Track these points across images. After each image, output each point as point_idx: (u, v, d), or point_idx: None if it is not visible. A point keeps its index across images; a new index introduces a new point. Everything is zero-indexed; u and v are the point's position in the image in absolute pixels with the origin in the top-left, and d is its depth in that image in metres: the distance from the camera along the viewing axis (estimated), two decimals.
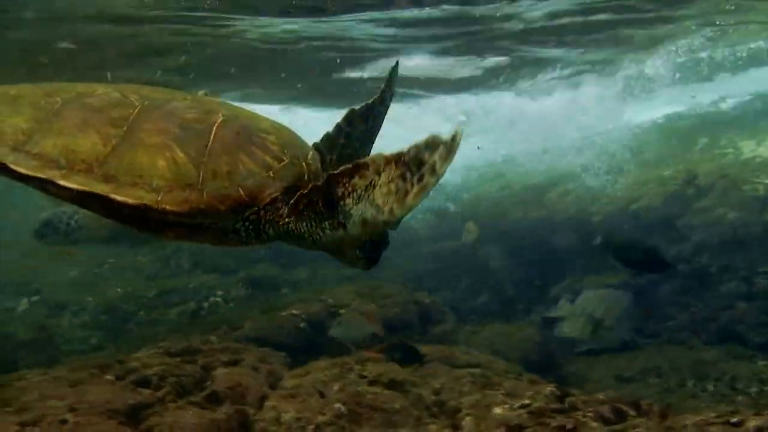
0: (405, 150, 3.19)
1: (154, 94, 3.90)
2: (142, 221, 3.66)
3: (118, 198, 3.39)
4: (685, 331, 10.24)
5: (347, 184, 3.40)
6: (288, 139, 3.88)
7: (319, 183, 3.45)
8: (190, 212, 3.46)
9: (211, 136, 3.62)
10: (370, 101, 4.28)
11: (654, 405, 5.89)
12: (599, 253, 9.76)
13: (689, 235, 11.20)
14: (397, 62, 4.84)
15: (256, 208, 3.58)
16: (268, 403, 6.14)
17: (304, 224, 3.58)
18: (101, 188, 3.40)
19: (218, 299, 11.76)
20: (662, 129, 15.25)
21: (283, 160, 3.69)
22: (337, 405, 6.02)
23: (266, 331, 7.89)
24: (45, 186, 3.48)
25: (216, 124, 3.67)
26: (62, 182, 3.38)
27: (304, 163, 3.78)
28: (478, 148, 16.35)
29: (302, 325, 8.11)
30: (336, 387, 6.36)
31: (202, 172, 3.49)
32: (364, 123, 4.27)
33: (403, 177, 3.21)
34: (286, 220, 3.60)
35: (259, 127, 3.84)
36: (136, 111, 3.65)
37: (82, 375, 6.32)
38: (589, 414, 5.45)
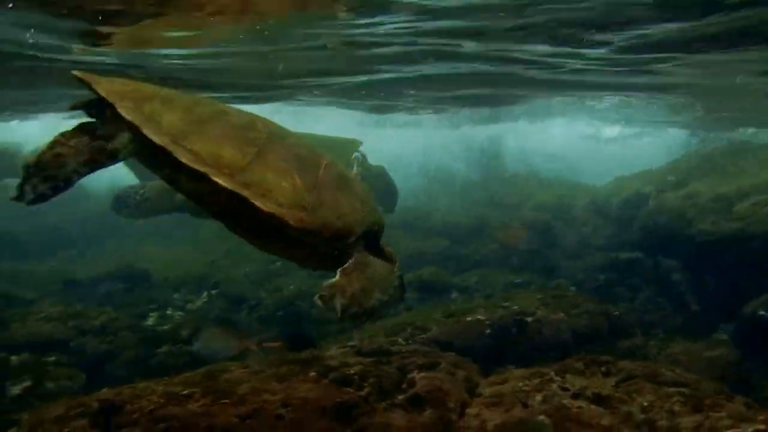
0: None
1: (273, 126, 4.63)
2: (256, 227, 4.36)
3: (256, 203, 4.07)
4: None
5: None
6: (366, 189, 4.77)
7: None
8: (302, 229, 4.19)
9: (320, 173, 4.42)
10: None
11: None
12: None
13: None
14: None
15: (346, 241, 4.44)
16: (470, 411, 5.96)
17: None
18: (243, 192, 4.07)
19: None
20: None
21: (366, 208, 4.60)
22: (542, 417, 5.77)
23: (452, 335, 7.73)
24: (185, 177, 4.21)
25: (323, 165, 4.49)
26: (214, 179, 4.04)
27: (377, 214, 4.75)
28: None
29: (488, 331, 7.89)
30: (538, 398, 6.10)
31: (313, 199, 4.26)
32: None
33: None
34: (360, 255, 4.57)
35: (351, 176, 4.74)
36: (264, 137, 4.38)
37: (284, 370, 6.40)
38: None
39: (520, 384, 6.42)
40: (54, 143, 4.09)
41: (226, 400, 5.38)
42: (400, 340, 7.60)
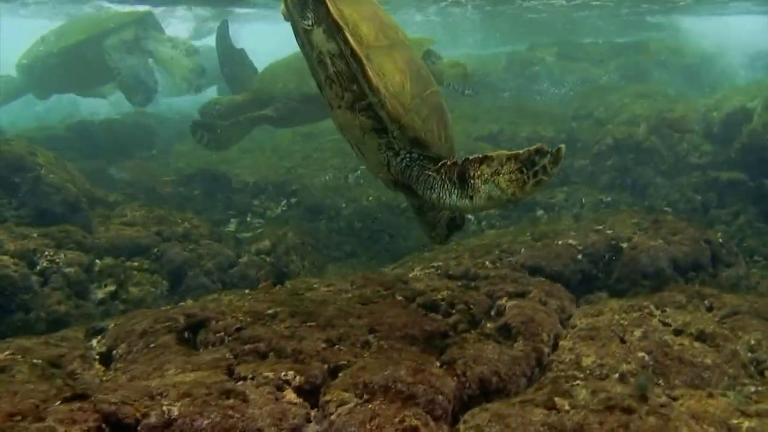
0: (519, 152, 4.54)
1: (410, 41, 5.56)
2: (357, 100, 5.08)
3: (369, 73, 4.85)
4: None
5: (477, 168, 4.72)
6: (452, 132, 5.39)
7: (458, 161, 4.86)
8: (393, 118, 4.94)
9: (426, 93, 5.16)
10: None
11: None
12: None
13: None
14: None
15: (420, 152, 5.10)
16: (564, 344, 5.69)
17: (439, 183, 4.98)
18: (364, 60, 4.84)
19: (470, 217, 11.41)
20: None
21: (447, 144, 5.25)
22: (641, 354, 5.45)
23: (542, 260, 7.33)
24: (323, 31, 5.04)
25: (432, 89, 5.27)
26: (347, 36, 4.85)
27: (452, 149, 5.31)
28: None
29: (579, 257, 7.48)
30: (637, 333, 5.76)
31: (411, 105, 4.99)
32: None
33: (520, 171, 4.49)
34: (430, 173, 5.03)
35: (448, 114, 5.42)
36: (399, 41, 5.27)
37: (368, 293, 6.21)
38: None
39: (617, 317, 6.09)
40: None
41: (312, 323, 5.22)
42: (487, 263, 7.27)
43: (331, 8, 4.84)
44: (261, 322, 5.27)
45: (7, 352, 4.79)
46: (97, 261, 7.79)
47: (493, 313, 6.11)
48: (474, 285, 6.58)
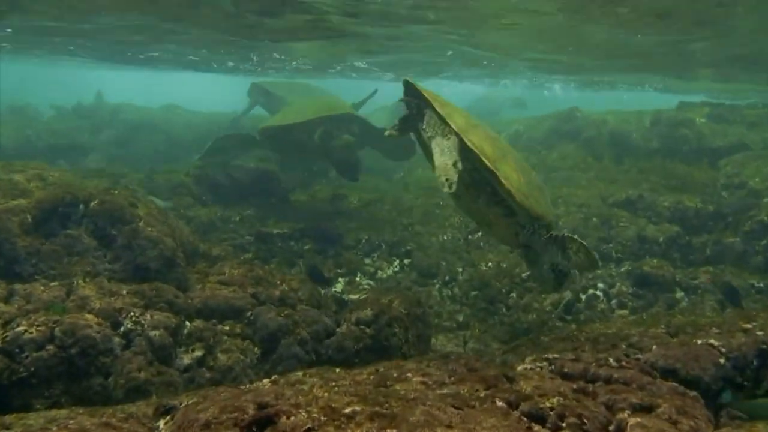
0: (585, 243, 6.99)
1: (503, 143, 7.36)
2: (493, 197, 6.92)
3: (504, 182, 6.63)
4: None
5: (571, 243, 7.04)
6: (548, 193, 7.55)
7: (559, 235, 7.05)
8: (520, 204, 6.74)
9: (531, 177, 7.06)
10: None
11: None
12: None
13: None
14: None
15: (539, 222, 6.97)
16: None
17: (553, 248, 7.04)
18: (497, 171, 6.63)
19: (598, 292, 10.36)
20: None
21: (551, 208, 7.22)
22: None
23: (677, 361, 6.27)
24: (462, 155, 6.59)
25: (533, 173, 7.23)
26: (482, 158, 6.58)
27: (553, 212, 7.19)
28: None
29: (722, 360, 6.36)
30: None
31: (527, 190, 6.79)
32: None
33: (587, 254, 7.00)
34: (543, 239, 7.03)
35: (544, 186, 7.43)
36: (504, 146, 7.16)
37: (465, 391, 5.43)
38: None
39: None
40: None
41: (393, 431, 4.50)
42: (611, 360, 6.32)
43: (468, 143, 6.62)
44: (336, 423, 4.61)
45: None
46: (187, 323, 7.40)
47: (611, 429, 5.17)
48: (592, 390, 5.65)
